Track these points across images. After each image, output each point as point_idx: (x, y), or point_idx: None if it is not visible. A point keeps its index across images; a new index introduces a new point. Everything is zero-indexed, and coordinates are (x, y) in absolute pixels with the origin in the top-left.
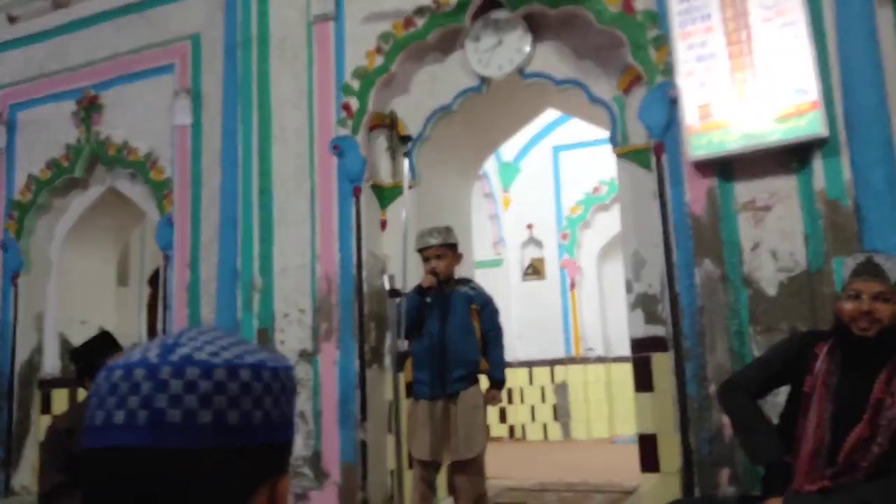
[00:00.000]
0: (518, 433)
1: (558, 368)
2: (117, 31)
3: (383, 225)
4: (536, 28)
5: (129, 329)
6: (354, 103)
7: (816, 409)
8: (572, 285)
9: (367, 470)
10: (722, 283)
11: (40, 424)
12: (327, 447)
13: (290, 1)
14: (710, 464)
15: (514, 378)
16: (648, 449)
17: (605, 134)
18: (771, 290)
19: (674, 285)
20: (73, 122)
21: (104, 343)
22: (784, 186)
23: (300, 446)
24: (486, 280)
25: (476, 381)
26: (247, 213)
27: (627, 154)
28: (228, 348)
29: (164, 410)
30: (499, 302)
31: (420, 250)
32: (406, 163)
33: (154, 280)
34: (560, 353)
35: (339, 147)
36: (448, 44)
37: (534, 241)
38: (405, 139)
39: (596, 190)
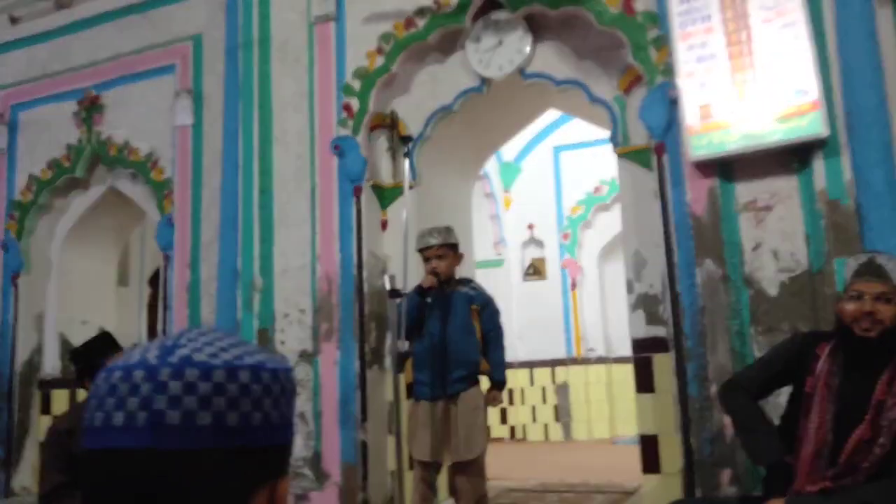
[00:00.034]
0: (519, 434)
1: (559, 369)
2: (119, 31)
3: (384, 225)
4: (537, 29)
5: (130, 329)
6: (355, 104)
7: (818, 410)
8: (573, 285)
9: (367, 471)
10: (723, 284)
11: (40, 425)
12: (328, 448)
13: (291, 2)
14: (711, 464)
15: (515, 378)
16: (650, 449)
17: (605, 134)
18: (772, 291)
19: (675, 285)
20: (74, 122)
21: (104, 343)
22: (785, 187)
23: (300, 447)
24: (486, 280)
25: (477, 382)
26: (247, 214)
27: (628, 154)
28: (228, 350)
29: (164, 412)
30: (499, 302)
31: (420, 250)
32: (407, 163)
33: (154, 280)
34: (561, 353)
35: (339, 147)
36: (449, 44)
37: (535, 241)
38: (406, 139)
39: (597, 190)
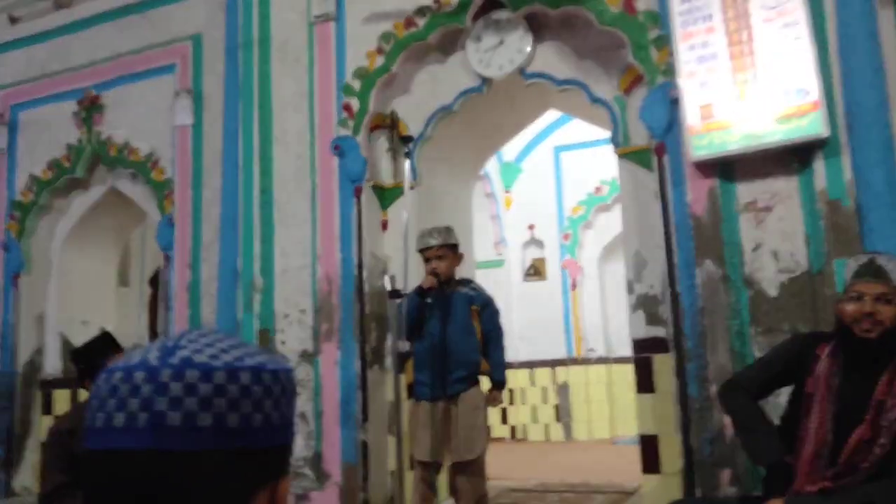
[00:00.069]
0: (519, 434)
1: (560, 369)
2: (119, 31)
3: (384, 225)
4: (537, 28)
5: (130, 329)
6: (355, 104)
7: (818, 411)
8: (574, 286)
9: (368, 471)
10: (723, 284)
11: (41, 425)
12: (328, 448)
13: (291, 1)
14: (711, 464)
15: (516, 379)
16: (650, 450)
17: (606, 134)
18: (772, 291)
19: (675, 286)
20: (74, 122)
21: (105, 344)
22: (785, 187)
23: (301, 447)
24: (487, 280)
25: (477, 382)
26: (247, 214)
27: (629, 154)
28: (228, 351)
29: (164, 413)
30: (500, 302)
31: (421, 251)
32: (407, 163)
33: (155, 280)
34: (561, 353)
35: (339, 147)
36: (449, 44)
37: (535, 242)
38: (406, 139)
39: (597, 190)
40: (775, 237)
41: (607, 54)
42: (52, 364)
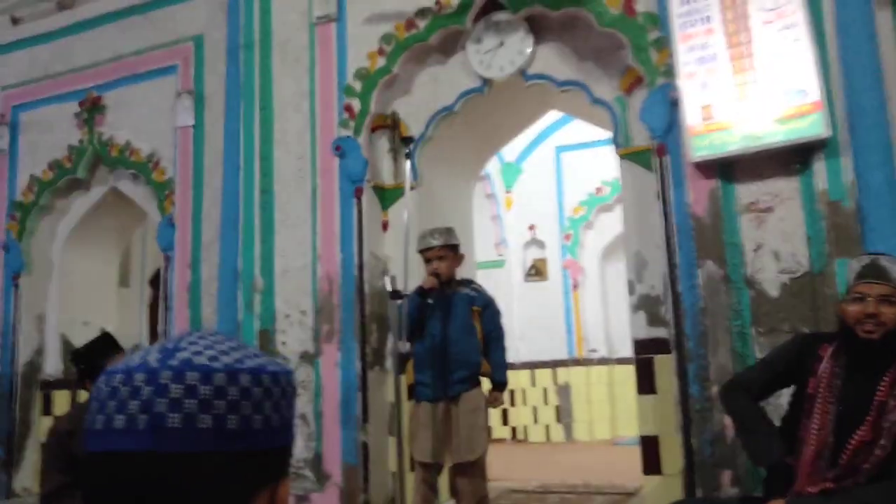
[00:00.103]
0: (520, 435)
1: (561, 370)
2: (120, 32)
3: (385, 226)
4: (538, 30)
5: (131, 330)
6: (356, 104)
7: (819, 411)
8: (575, 286)
9: (368, 472)
10: (724, 285)
11: (41, 425)
12: (329, 449)
13: (293, 3)
14: (711, 465)
15: (517, 379)
16: (650, 450)
17: (607, 134)
18: (773, 292)
19: (676, 286)
20: (75, 123)
21: (105, 345)
22: (786, 188)
23: (301, 448)
24: (488, 281)
25: (478, 383)
26: (248, 214)
27: (629, 155)
28: (228, 353)
29: (165, 415)
30: (501, 303)
31: (421, 251)
32: (408, 164)
33: (155, 281)
34: (562, 354)
35: (340, 148)
36: (450, 45)
37: (536, 242)
38: (407, 140)
39: (598, 190)
40: (776, 238)
41: (607, 55)
42: (53, 365)
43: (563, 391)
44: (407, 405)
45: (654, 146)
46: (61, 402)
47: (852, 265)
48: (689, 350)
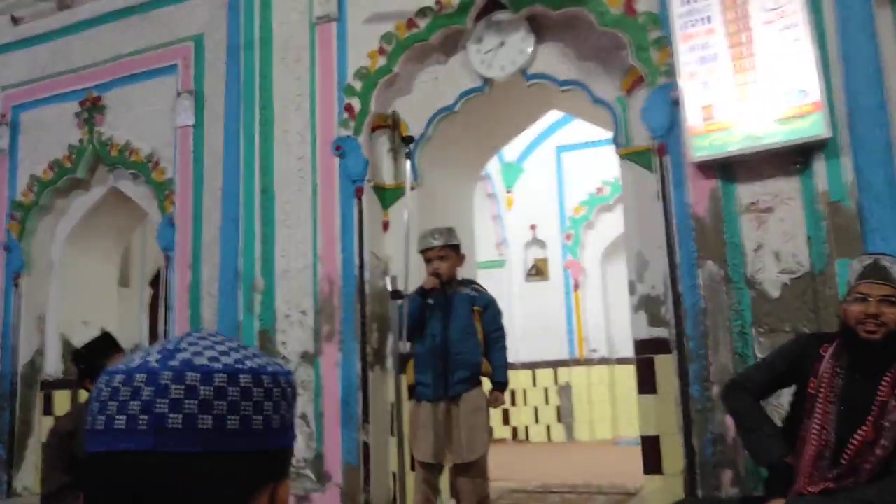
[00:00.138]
0: (521, 435)
1: (562, 370)
2: (120, 32)
3: (385, 226)
4: (539, 29)
5: (131, 330)
6: (357, 104)
7: (821, 411)
8: (576, 286)
9: (369, 472)
10: (725, 285)
11: (42, 425)
12: (329, 449)
13: (293, 2)
14: (712, 465)
15: (518, 379)
16: (651, 450)
17: (608, 134)
18: (774, 292)
19: (677, 286)
20: (75, 122)
21: (105, 345)
22: (786, 188)
23: (302, 448)
24: (489, 281)
25: (479, 383)
26: (248, 214)
27: (630, 155)
28: (229, 353)
29: (165, 415)
30: (502, 303)
31: (422, 251)
32: (408, 163)
33: (156, 281)
34: (563, 354)
35: (341, 148)
36: (450, 45)
37: (537, 242)
38: (407, 140)
39: (599, 190)
40: (777, 238)
41: (608, 55)
42: (53, 365)
43: (564, 391)
44: (407, 405)
45: (655, 146)
46: (61, 402)
47: (854, 265)
48: (690, 350)
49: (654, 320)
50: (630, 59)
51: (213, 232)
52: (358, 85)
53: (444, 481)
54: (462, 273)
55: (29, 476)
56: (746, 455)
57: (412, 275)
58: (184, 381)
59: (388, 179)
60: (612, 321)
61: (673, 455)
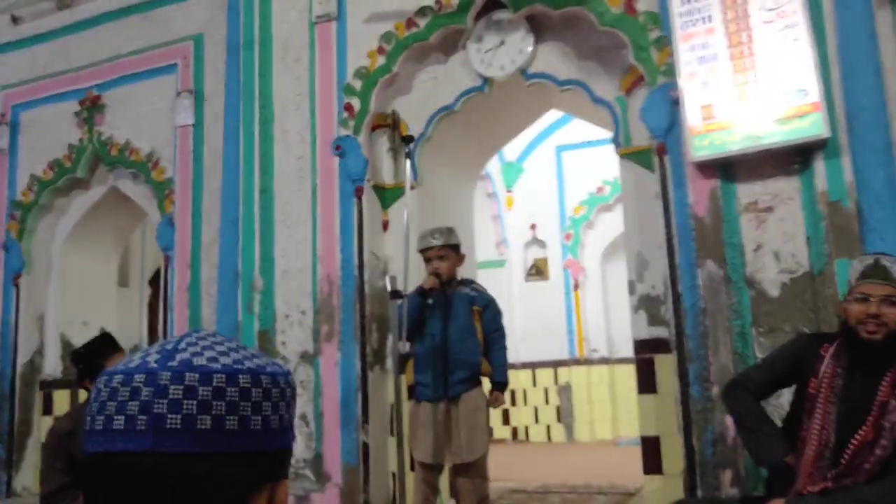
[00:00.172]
0: (521, 435)
1: (562, 370)
2: (120, 31)
3: (385, 225)
4: (539, 29)
5: (130, 330)
6: (356, 103)
7: (821, 411)
8: (576, 286)
9: (368, 472)
10: (725, 285)
11: (42, 425)
12: (329, 449)
13: (293, 1)
14: (713, 465)
15: (518, 379)
16: (651, 451)
17: (608, 133)
18: (773, 292)
19: (677, 286)
20: (75, 122)
21: (105, 344)
22: (786, 188)
23: (301, 448)
24: (488, 281)
25: (478, 383)
26: (248, 214)
27: (630, 155)
28: (228, 353)
29: (164, 416)
30: (501, 303)
31: (422, 251)
32: (408, 163)
33: (155, 281)
34: (563, 354)
35: (340, 147)
36: (450, 44)
37: (537, 242)
38: (407, 139)
39: (599, 190)
40: (776, 238)
41: (608, 55)
42: (52, 364)
43: (564, 391)
44: (407, 405)
45: (655, 146)
46: (61, 401)
47: (855, 265)
48: (690, 350)
49: (654, 320)
50: (630, 58)
51: (212, 232)
52: (358, 84)
53: (444, 481)
54: (462, 273)
55: (28, 476)
56: (746, 455)
57: (412, 275)
58: (183, 382)
59: (387, 179)
60: (612, 321)
61: (673, 455)
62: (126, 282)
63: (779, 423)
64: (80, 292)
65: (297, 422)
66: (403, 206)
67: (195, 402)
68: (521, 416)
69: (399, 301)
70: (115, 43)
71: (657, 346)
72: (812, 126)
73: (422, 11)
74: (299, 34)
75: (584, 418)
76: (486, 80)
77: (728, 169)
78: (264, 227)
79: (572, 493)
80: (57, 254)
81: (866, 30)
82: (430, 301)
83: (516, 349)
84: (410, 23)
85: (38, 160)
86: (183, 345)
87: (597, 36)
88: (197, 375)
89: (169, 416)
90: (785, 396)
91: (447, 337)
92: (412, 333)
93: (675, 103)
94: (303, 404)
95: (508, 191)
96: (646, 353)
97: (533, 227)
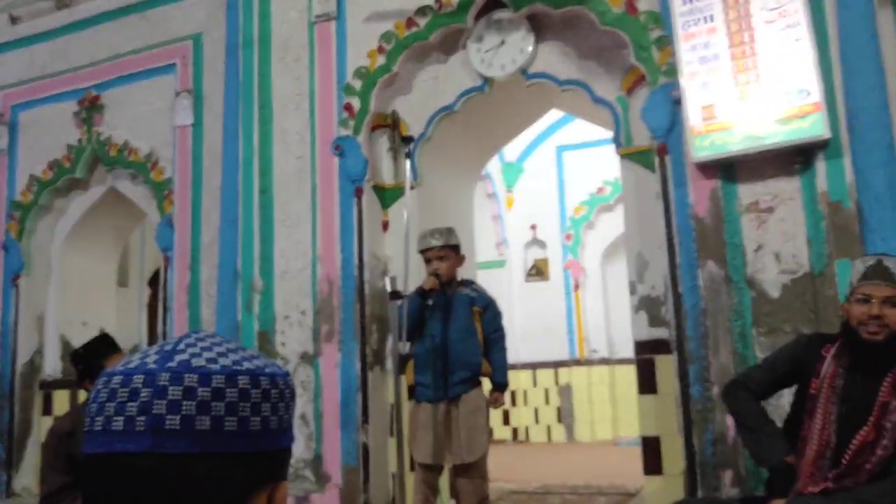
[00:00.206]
0: (521, 435)
1: (562, 370)
2: (119, 31)
3: (385, 226)
4: (539, 28)
5: (130, 330)
6: (356, 103)
7: (822, 412)
8: (576, 286)
9: (368, 473)
10: (725, 285)
11: (41, 426)
12: (329, 450)
13: (292, 1)
14: (713, 466)
15: (518, 380)
16: (652, 451)
17: (608, 134)
18: (774, 292)
19: (677, 287)
20: (74, 122)
21: (104, 345)
22: (787, 188)
23: (301, 449)
24: (488, 281)
25: (478, 384)
26: (247, 214)
27: (631, 155)
28: (227, 355)
29: (163, 417)
30: (502, 303)
31: (422, 251)
32: (408, 163)
33: (154, 281)
34: (564, 354)
35: (340, 147)
36: (450, 44)
37: (537, 242)
38: (407, 139)
39: (600, 190)
40: (777, 238)
41: (609, 54)
42: (52, 365)
43: (565, 391)
44: (407, 406)
45: (656, 146)
46: (61, 402)
47: (857, 266)
48: (690, 350)
49: (655, 321)
50: (631, 58)
51: (211, 232)
52: (357, 84)
53: (444, 482)
54: (462, 273)
55: (28, 476)
56: (747, 455)
57: (412, 275)
58: (182, 383)
59: (387, 179)
60: (613, 321)
61: (673, 455)
62: (125, 282)
63: (779, 424)
64: (79, 292)
65: (297, 422)
66: (403, 206)
67: (194, 403)
68: (521, 417)
69: (399, 301)
70: (114, 43)
71: (658, 346)
72: (813, 126)
73: (422, 11)
74: (299, 34)
75: (584, 419)
76: (487, 80)
77: (729, 169)
78: (264, 228)
79: (572, 493)
80: (56, 254)
81: (868, 30)
82: (430, 302)
83: (516, 350)
84: (410, 22)
85: (38, 160)
86: (182, 346)
87: (597, 35)
88: (196, 376)
89: (168, 416)
90: (785, 397)
91: (447, 338)
92: (412, 334)
93: (676, 103)
94: (303, 405)
95: (509, 191)
96: (646, 353)
97: (533, 227)
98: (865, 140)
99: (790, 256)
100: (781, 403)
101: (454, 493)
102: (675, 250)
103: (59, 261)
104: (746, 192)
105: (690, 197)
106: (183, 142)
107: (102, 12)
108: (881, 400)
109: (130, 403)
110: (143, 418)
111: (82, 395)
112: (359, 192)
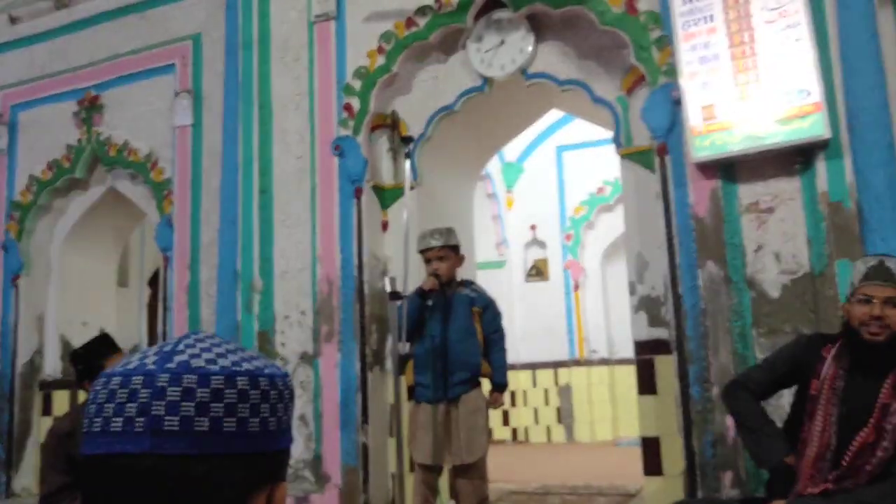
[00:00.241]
0: (521, 436)
1: (562, 370)
2: (118, 31)
3: (385, 226)
4: (539, 28)
5: (129, 330)
6: (356, 103)
7: (822, 413)
8: (576, 287)
9: (368, 473)
10: (725, 285)
11: (41, 426)
12: (328, 450)
13: (292, 1)
14: (713, 466)
15: (518, 380)
16: (651, 451)
17: (608, 133)
18: (774, 293)
19: (677, 287)
20: (74, 122)
21: (104, 345)
22: (787, 188)
23: (301, 449)
24: (488, 281)
25: (478, 384)
26: (247, 214)
27: (631, 155)
28: (226, 355)
29: (162, 417)
30: (501, 304)
31: (422, 252)
32: (408, 163)
33: (154, 281)
34: (564, 355)
35: (340, 147)
36: (450, 44)
37: (537, 242)
38: (407, 139)
39: (600, 190)
40: (777, 238)
41: (609, 54)
42: (52, 365)
43: (564, 392)
44: (407, 406)
45: (656, 146)
46: (61, 402)
47: (858, 266)
48: (690, 351)
49: (655, 321)
50: (631, 58)
51: (211, 232)
52: (357, 84)
53: (444, 483)
54: (462, 273)
55: (28, 477)
56: (747, 456)
57: (411, 275)
58: (181, 384)
59: (387, 179)
60: (613, 322)
61: (673, 456)
62: (125, 282)
63: (779, 424)
64: (79, 293)
65: (296, 422)
66: (403, 206)
67: (193, 404)
68: (521, 417)
69: (399, 302)
70: (114, 43)
71: (657, 346)
72: (813, 126)
73: (421, 11)
74: (298, 34)
75: (584, 419)
76: (487, 80)
77: (729, 169)
78: (263, 228)
79: (572, 494)
80: (56, 254)
81: (868, 30)
82: (429, 302)
83: (516, 350)
84: (410, 22)
85: (37, 160)
86: (181, 347)
87: (597, 35)
88: (195, 377)
89: (167, 417)
90: (785, 397)
91: (447, 338)
92: (412, 334)
93: (676, 103)
94: (302, 405)
95: (508, 191)
96: (646, 353)
97: (533, 227)
98: (865, 140)
99: (790, 257)
100: (781, 404)
101: (454, 493)
102: (674, 250)
103: (58, 261)
104: (746, 192)
105: (690, 197)
106: (182, 142)
107: (102, 12)
108: (882, 401)
109: (129, 404)
110: (142, 419)
111: (82, 396)
112: (358, 193)
